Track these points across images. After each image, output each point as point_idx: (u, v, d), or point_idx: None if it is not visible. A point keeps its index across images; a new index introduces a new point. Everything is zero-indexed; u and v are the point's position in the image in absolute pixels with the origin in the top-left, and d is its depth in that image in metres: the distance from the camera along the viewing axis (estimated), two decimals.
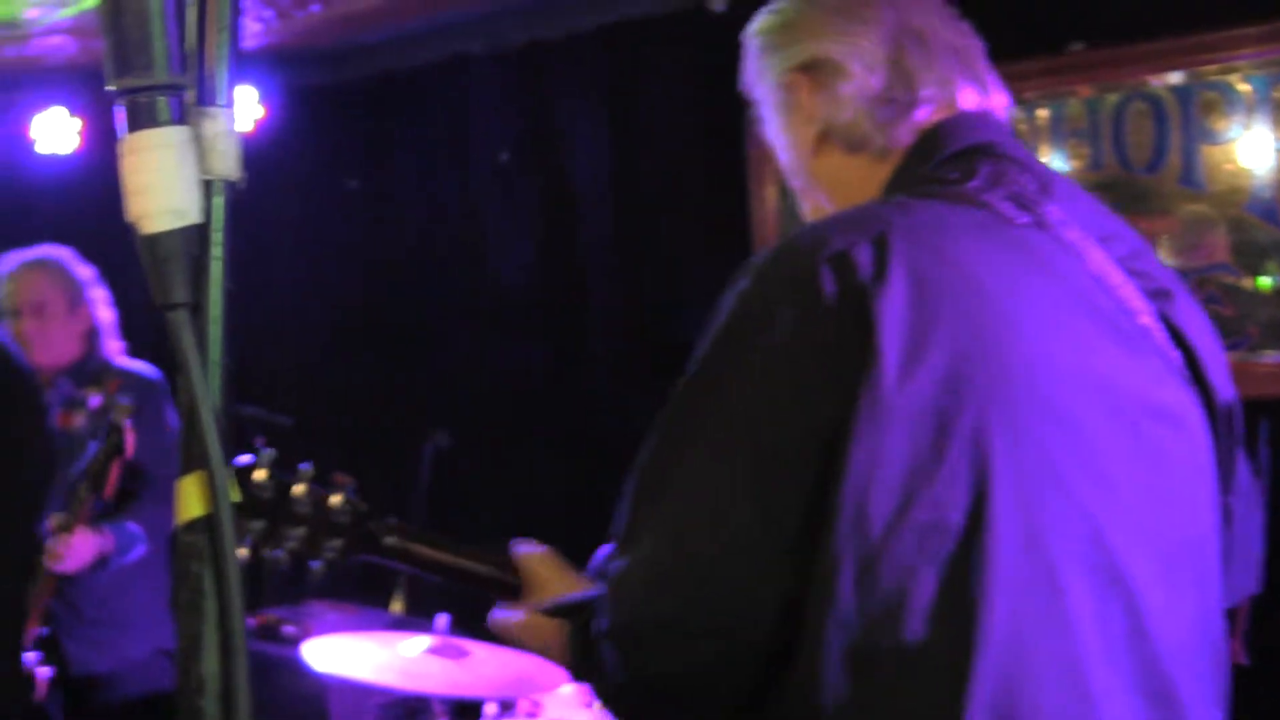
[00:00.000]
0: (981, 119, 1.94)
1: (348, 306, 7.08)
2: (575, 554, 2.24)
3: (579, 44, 6.20)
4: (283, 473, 2.28)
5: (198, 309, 1.10)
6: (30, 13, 5.91)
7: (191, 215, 1.09)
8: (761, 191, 5.61)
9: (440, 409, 6.60)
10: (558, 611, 2.07)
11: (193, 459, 1.06)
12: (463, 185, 6.64)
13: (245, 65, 6.89)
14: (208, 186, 1.11)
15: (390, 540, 2.27)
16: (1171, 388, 1.78)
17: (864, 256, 1.61)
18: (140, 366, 5.01)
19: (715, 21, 5.60)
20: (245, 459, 2.29)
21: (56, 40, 6.38)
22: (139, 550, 4.72)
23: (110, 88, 1.08)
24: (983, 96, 1.97)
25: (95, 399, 4.49)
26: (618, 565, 1.74)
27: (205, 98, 1.13)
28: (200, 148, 1.11)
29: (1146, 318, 1.79)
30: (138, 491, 4.67)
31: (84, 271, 5.11)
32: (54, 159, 7.26)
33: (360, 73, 7.03)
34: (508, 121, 6.48)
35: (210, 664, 1.07)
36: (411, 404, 6.80)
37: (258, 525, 2.22)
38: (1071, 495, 1.63)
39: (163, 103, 1.08)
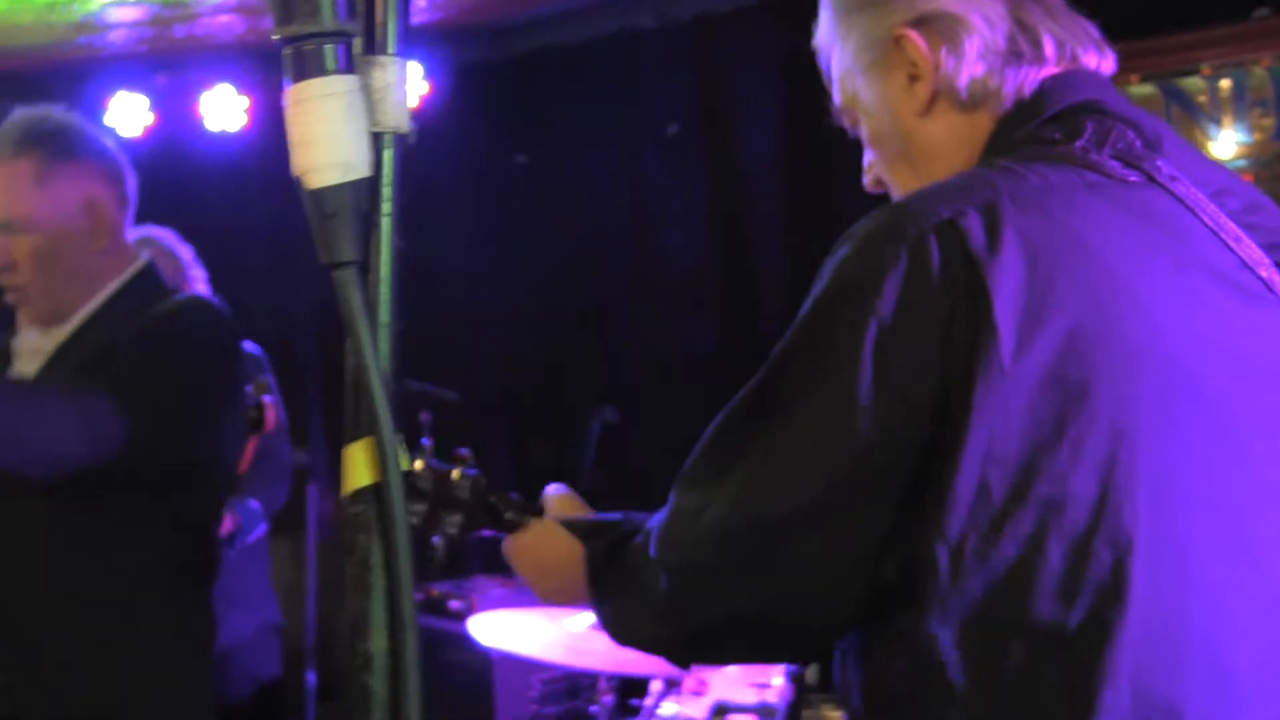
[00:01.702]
0: (1088, 76, 1.86)
1: (516, 282, 7.06)
2: None
3: (750, 16, 6.12)
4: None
5: (366, 268, 1.04)
6: None
7: (360, 169, 1.03)
8: None
9: (608, 385, 6.57)
10: (572, 528, 2.10)
11: (360, 425, 1.00)
12: (631, 160, 6.59)
13: (411, 41, 6.91)
14: (377, 139, 1.05)
15: (511, 515, 2.27)
16: None
17: (975, 225, 1.56)
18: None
19: None
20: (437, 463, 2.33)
21: (224, 19, 6.44)
22: (261, 528, 4.74)
23: (275, 36, 1.03)
24: (1100, 57, 1.89)
25: None
26: (687, 500, 1.74)
27: (374, 46, 1.07)
28: (369, 99, 1.05)
29: (1266, 270, 1.72)
30: (252, 467, 4.69)
31: (184, 250, 5.11)
32: (222, 137, 7.31)
33: (528, 48, 7.01)
34: (677, 95, 6.42)
35: (378, 641, 1.02)
36: (579, 380, 6.77)
37: (457, 518, 2.26)
38: (1202, 464, 1.58)
39: (330, 50, 1.02)
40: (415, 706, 1.01)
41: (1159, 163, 1.73)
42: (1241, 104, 4.89)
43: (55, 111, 3.26)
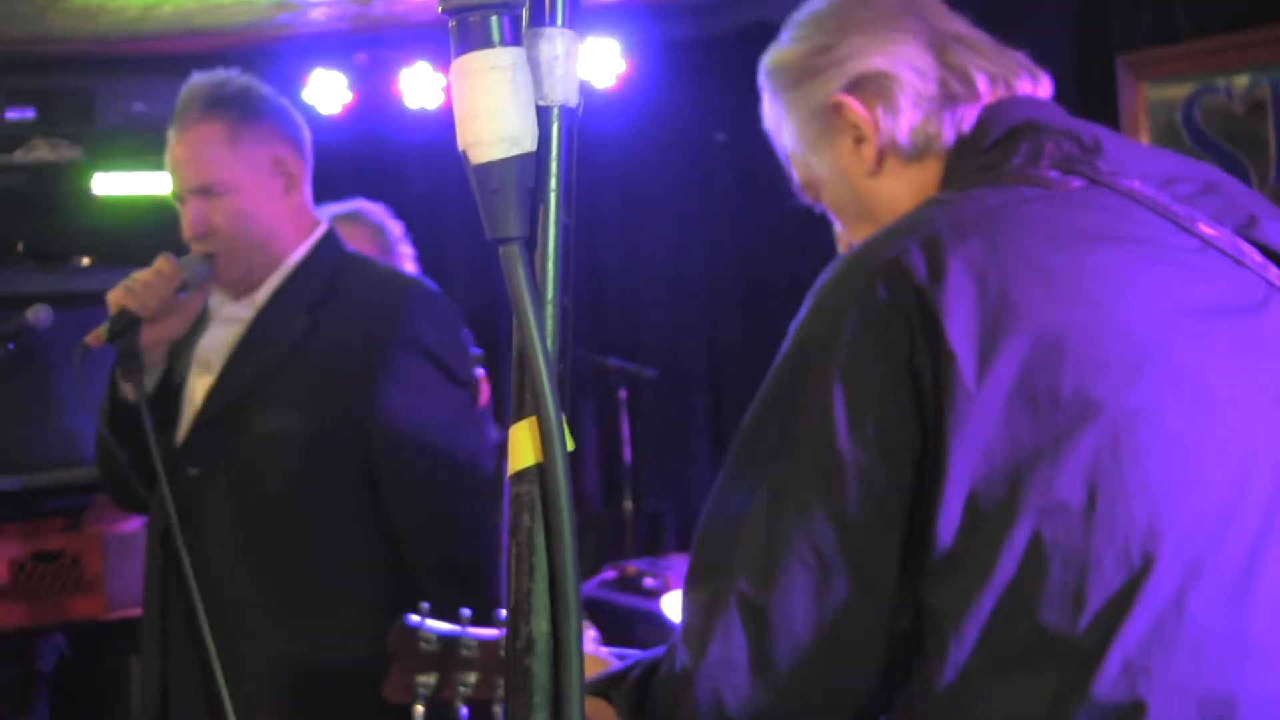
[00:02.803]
0: (1023, 101, 1.91)
1: (717, 260, 7.04)
2: None
3: None
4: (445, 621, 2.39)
5: (531, 244, 1.02)
6: None
7: (526, 143, 1.02)
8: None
9: None
10: (592, 689, 2.01)
11: (524, 405, 0.98)
12: None
13: (609, 18, 6.92)
14: (544, 113, 1.04)
15: None
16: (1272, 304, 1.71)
17: (917, 259, 1.60)
18: None
19: None
20: (413, 620, 2.41)
21: None
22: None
23: (441, 8, 1.01)
24: (1034, 82, 1.95)
25: None
26: (698, 597, 1.71)
27: (541, 17, 1.05)
28: (536, 71, 1.03)
29: (1230, 243, 1.73)
30: None
31: (394, 226, 5.13)
32: (421, 114, 7.38)
33: (729, 24, 6.97)
34: None
35: (541, 624, 1.00)
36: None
37: (430, 679, 2.30)
38: (1185, 443, 1.58)
39: (495, 21, 1.01)
40: (577, 691, 0.99)
41: (1098, 164, 1.75)
42: None
43: (233, 74, 3.31)
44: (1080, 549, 1.53)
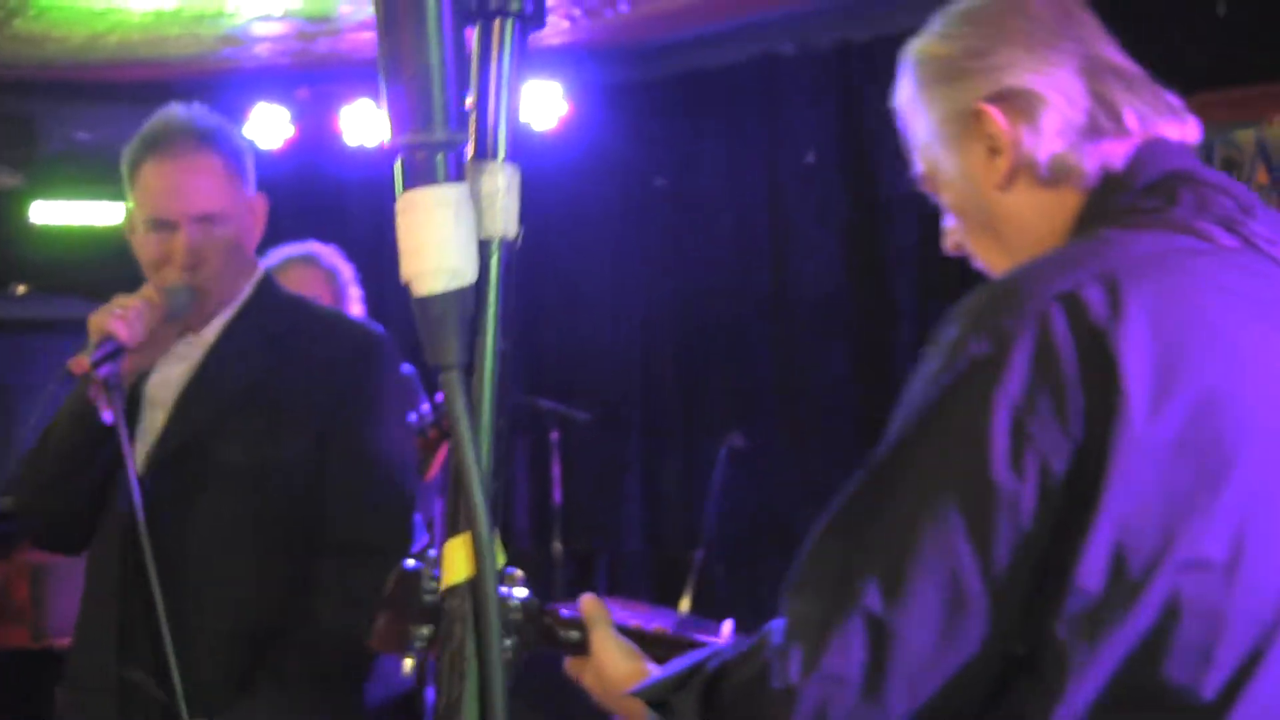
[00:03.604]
0: (1176, 147, 1.86)
1: (653, 303, 7.11)
2: None
3: (890, 44, 6.09)
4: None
5: (470, 369, 1.07)
6: (342, 7, 6.06)
7: (467, 275, 1.07)
8: None
9: (739, 409, 6.59)
10: (651, 691, 1.92)
11: (459, 522, 1.04)
12: (770, 184, 6.61)
13: (552, 61, 6.97)
14: (484, 245, 1.09)
15: (569, 635, 2.18)
16: None
17: (1094, 295, 1.58)
18: None
19: None
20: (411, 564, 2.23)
21: (367, 35, 6.53)
22: (424, 538, 4.79)
23: (388, 145, 1.06)
24: (1181, 126, 1.89)
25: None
26: (806, 609, 1.65)
27: (484, 152, 1.11)
28: (478, 204, 1.08)
29: None
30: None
31: (345, 269, 5.06)
32: (361, 151, 7.41)
33: (669, 71, 7.05)
34: (816, 122, 6.44)
35: None
36: (710, 403, 6.80)
37: (425, 631, 2.05)
38: None
39: (440, 159, 1.06)
40: None
41: (1254, 227, 1.75)
42: None
43: (208, 110, 3.27)
44: (1216, 607, 1.53)
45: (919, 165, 2.00)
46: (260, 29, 6.41)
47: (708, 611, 5.07)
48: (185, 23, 6.21)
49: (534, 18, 1.14)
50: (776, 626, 1.68)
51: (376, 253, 7.70)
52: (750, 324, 6.71)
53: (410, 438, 3.28)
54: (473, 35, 1.13)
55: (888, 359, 6.16)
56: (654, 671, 1.97)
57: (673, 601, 5.47)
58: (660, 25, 6.55)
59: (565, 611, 2.19)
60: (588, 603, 2.18)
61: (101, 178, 7.13)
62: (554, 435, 6.51)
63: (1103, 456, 1.52)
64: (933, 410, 1.63)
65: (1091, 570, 1.53)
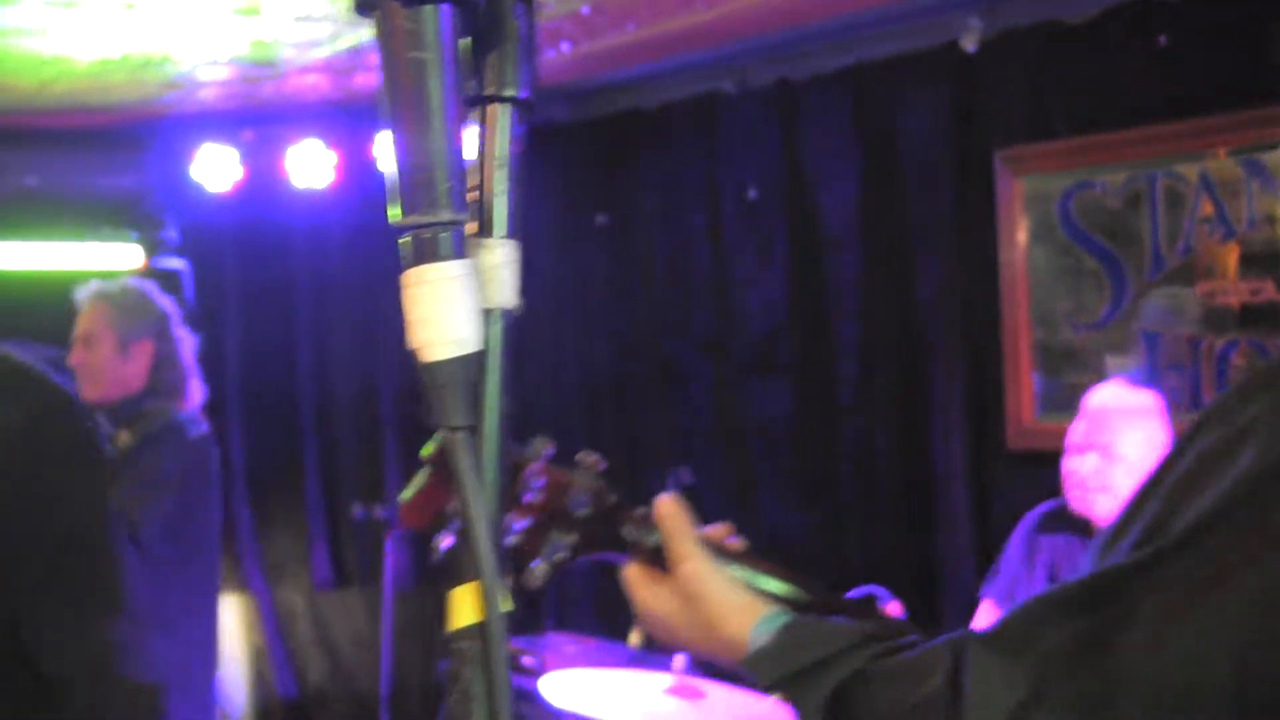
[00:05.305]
0: None
1: (594, 341, 7.19)
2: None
3: (828, 83, 6.23)
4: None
5: (474, 430, 1.16)
6: (286, 52, 6.14)
7: (471, 344, 1.16)
8: (1012, 233, 5.58)
9: (684, 446, 6.67)
10: (772, 670, 1.67)
11: (467, 570, 1.13)
12: (711, 222, 6.70)
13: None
14: (486, 315, 1.18)
15: (647, 538, 1.90)
16: None
17: None
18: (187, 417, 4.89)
19: (966, 61, 5.60)
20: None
21: (311, 79, 6.62)
22: None
23: (394, 223, 1.16)
24: None
25: None
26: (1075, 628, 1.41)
27: (485, 230, 1.21)
28: (480, 278, 1.18)
29: None
30: None
31: (154, 309, 4.96)
32: (307, 193, 7.48)
33: (608, 110, 7.14)
34: (756, 160, 6.53)
35: None
36: (655, 440, 6.87)
37: (569, 539, 1.90)
38: None
39: (445, 238, 1.15)
40: None
41: None
42: None
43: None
44: None
45: None
46: (205, 74, 6.48)
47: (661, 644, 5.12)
48: (130, 69, 6.28)
49: (526, 103, 1.24)
50: (945, 653, 1.49)
51: (321, 292, 7.80)
52: (693, 359, 6.79)
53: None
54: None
55: (827, 395, 6.23)
56: (764, 609, 1.76)
57: (621, 634, 5.53)
58: (601, 64, 6.65)
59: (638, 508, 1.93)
60: (665, 504, 1.91)
61: (49, 223, 7.23)
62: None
63: None
64: (1248, 501, 1.35)
65: None
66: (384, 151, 1.15)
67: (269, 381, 7.86)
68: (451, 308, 1.14)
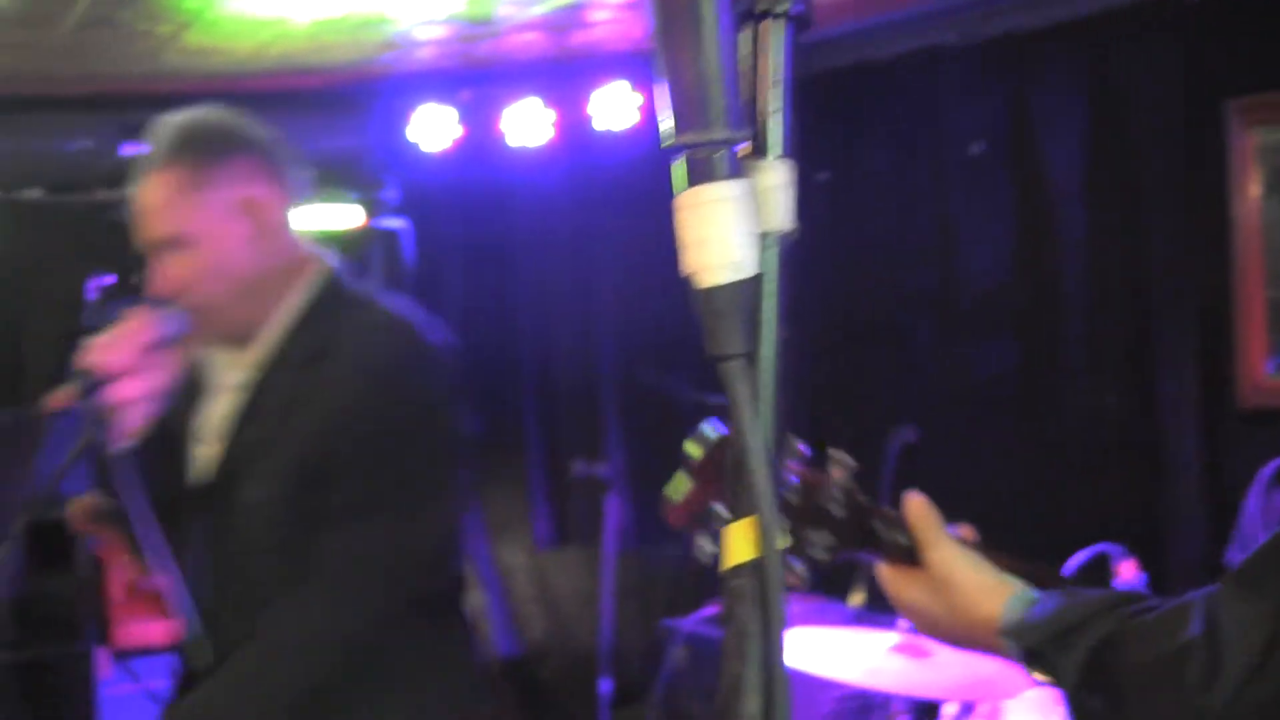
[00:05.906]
0: None
1: (818, 299, 7.11)
2: (1033, 554, 1.99)
3: (1056, 34, 6.07)
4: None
5: (750, 358, 1.12)
6: (503, 10, 6.12)
7: (747, 268, 1.11)
8: (1244, 187, 5.40)
9: (906, 405, 6.57)
10: (1028, 637, 1.73)
11: (742, 505, 1.08)
12: (935, 178, 6.58)
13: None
14: (762, 239, 1.14)
15: (898, 538, 1.91)
16: None
17: None
18: None
19: (1195, 11, 5.43)
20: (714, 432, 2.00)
21: (528, 36, 6.59)
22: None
23: (668, 144, 1.11)
24: None
25: None
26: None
27: (760, 150, 1.16)
28: (755, 200, 1.13)
29: None
30: None
31: None
32: (524, 152, 7.49)
33: (830, 64, 7.04)
34: (982, 114, 6.39)
35: (752, 705, 1.09)
36: (877, 399, 6.79)
37: (826, 539, 1.89)
38: None
39: (720, 157, 1.10)
40: None
41: None
42: None
43: (210, 111, 3.13)
44: None
45: None
46: (422, 33, 6.50)
47: (882, 604, 5.07)
48: (348, 30, 6.32)
49: (801, 18, 1.19)
50: (1199, 605, 1.52)
51: (538, 251, 7.82)
52: (916, 318, 6.69)
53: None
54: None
55: (1053, 354, 6.10)
56: (1015, 592, 1.79)
57: (844, 596, 5.47)
58: (822, 18, 6.54)
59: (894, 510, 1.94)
60: (915, 503, 1.94)
61: None
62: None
63: None
64: None
65: None
66: (655, 71, 1.11)
67: (489, 338, 7.87)
68: (728, 230, 1.09)
